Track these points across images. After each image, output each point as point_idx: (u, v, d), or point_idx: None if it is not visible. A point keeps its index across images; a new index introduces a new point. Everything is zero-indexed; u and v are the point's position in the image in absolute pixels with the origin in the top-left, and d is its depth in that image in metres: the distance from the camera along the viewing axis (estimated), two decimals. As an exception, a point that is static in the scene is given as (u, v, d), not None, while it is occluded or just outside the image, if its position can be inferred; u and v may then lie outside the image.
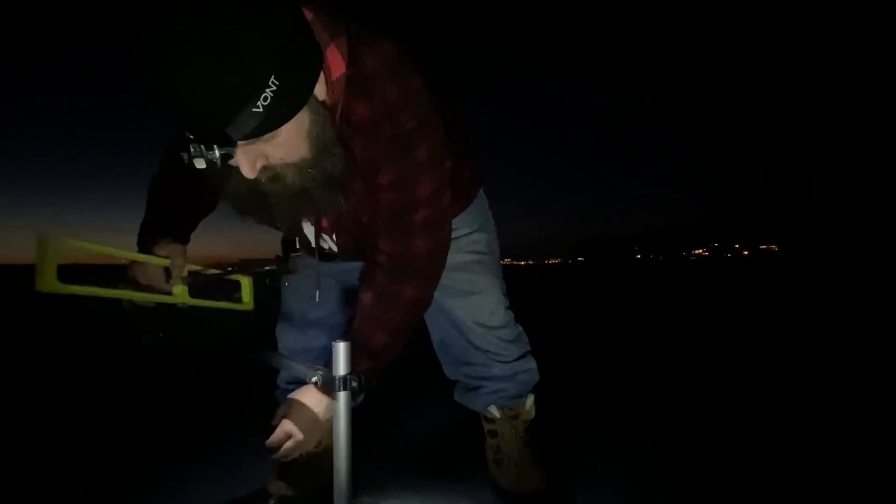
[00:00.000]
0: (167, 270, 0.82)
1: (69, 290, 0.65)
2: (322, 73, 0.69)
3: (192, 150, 0.60)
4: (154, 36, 0.58)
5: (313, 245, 0.93)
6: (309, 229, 0.93)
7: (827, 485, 1.19)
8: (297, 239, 1.00)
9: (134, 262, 0.82)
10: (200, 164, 0.60)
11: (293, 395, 0.87)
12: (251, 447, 1.37)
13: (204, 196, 0.90)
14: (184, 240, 0.88)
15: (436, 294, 1.00)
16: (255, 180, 0.70)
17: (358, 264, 1.06)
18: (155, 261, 0.82)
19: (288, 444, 0.84)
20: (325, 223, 0.91)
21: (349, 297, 1.16)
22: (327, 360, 0.76)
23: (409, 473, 1.28)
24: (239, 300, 0.92)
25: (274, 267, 0.91)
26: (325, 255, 0.98)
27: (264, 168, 0.69)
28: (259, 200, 0.73)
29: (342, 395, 0.74)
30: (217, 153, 0.60)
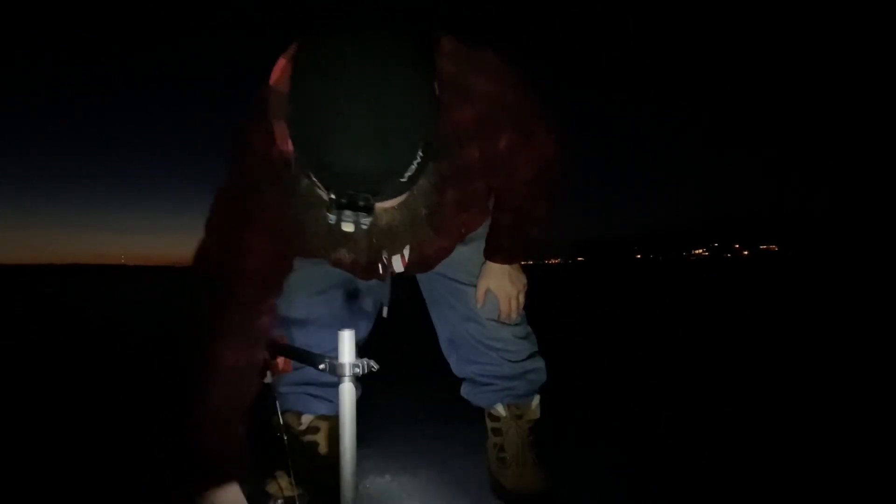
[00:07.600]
0: None
1: None
2: None
3: (342, 216, 0.63)
4: (319, 111, 0.59)
5: (390, 268, 1.03)
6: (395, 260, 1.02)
7: (827, 485, 1.20)
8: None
9: None
10: (349, 227, 0.64)
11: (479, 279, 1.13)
12: (251, 447, 1.36)
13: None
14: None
15: (457, 289, 1.16)
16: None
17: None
18: None
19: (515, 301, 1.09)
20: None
21: (352, 295, 1.17)
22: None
23: (410, 471, 1.28)
24: None
25: None
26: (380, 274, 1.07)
27: None
28: (341, 239, 0.73)
29: (347, 382, 0.76)
30: (367, 218, 0.63)
